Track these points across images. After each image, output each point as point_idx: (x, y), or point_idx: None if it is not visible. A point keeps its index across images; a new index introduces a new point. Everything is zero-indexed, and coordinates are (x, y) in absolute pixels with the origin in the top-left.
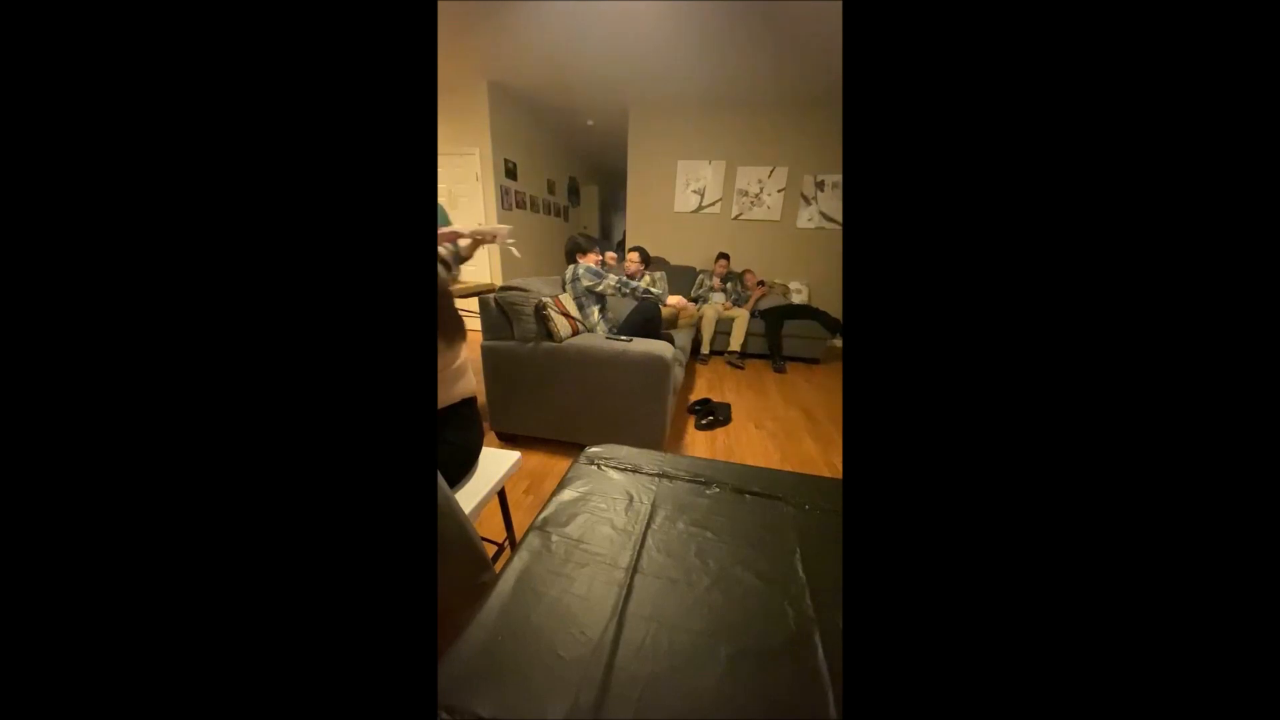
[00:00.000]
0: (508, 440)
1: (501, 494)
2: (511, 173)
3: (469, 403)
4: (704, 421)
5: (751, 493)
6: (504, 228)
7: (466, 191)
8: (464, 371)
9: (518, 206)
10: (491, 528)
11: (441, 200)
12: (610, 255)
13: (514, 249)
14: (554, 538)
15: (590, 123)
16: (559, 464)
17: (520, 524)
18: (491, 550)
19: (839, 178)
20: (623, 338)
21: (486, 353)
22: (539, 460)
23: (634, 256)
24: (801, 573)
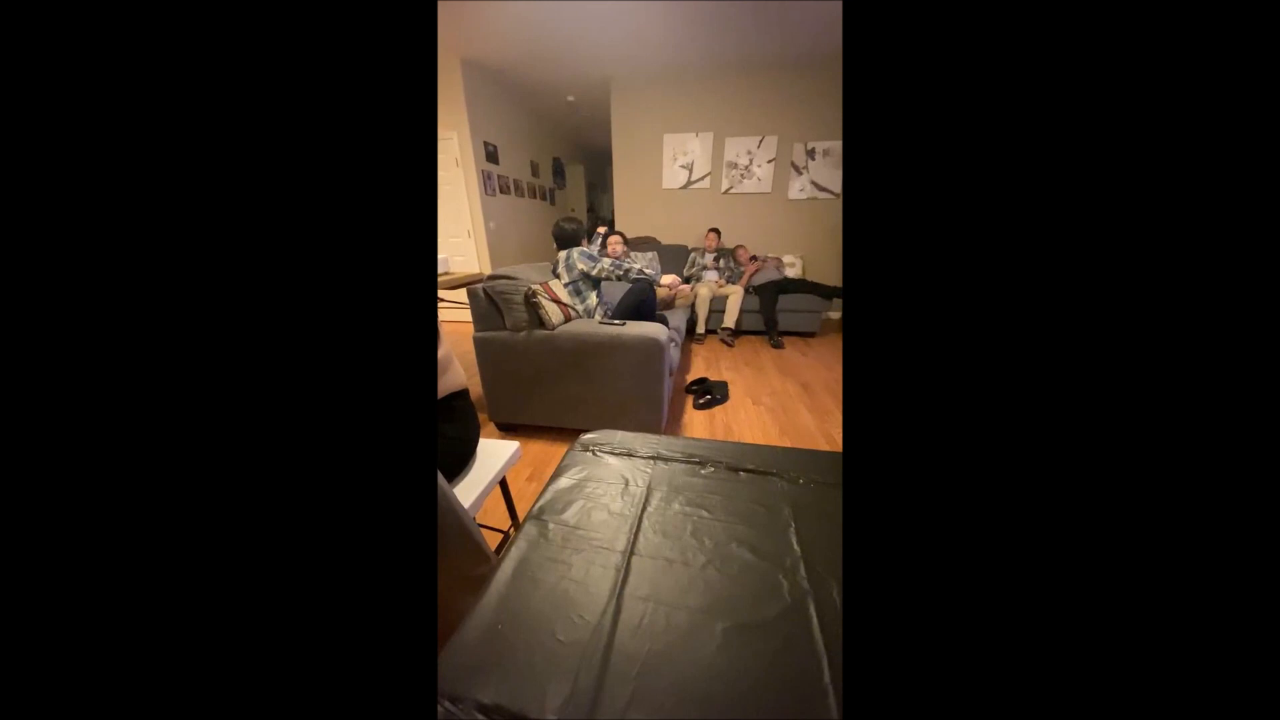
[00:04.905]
0: (507, 430)
1: (504, 483)
2: (493, 156)
3: (460, 395)
4: (702, 401)
5: (746, 470)
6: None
7: (448, 179)
8: (448, 364)
9: (501, 191)
10: (496, 517)
11: None
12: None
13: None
14: (551, 525)
15: (571, 99)
16: (560, 450)
17: (524, 512)
18: (498, 538)
19: (830, 145)
20: (616, 321)
21: (479, 344)
22: (540, 448)
23: (616, 239)
24: (796, 545)
